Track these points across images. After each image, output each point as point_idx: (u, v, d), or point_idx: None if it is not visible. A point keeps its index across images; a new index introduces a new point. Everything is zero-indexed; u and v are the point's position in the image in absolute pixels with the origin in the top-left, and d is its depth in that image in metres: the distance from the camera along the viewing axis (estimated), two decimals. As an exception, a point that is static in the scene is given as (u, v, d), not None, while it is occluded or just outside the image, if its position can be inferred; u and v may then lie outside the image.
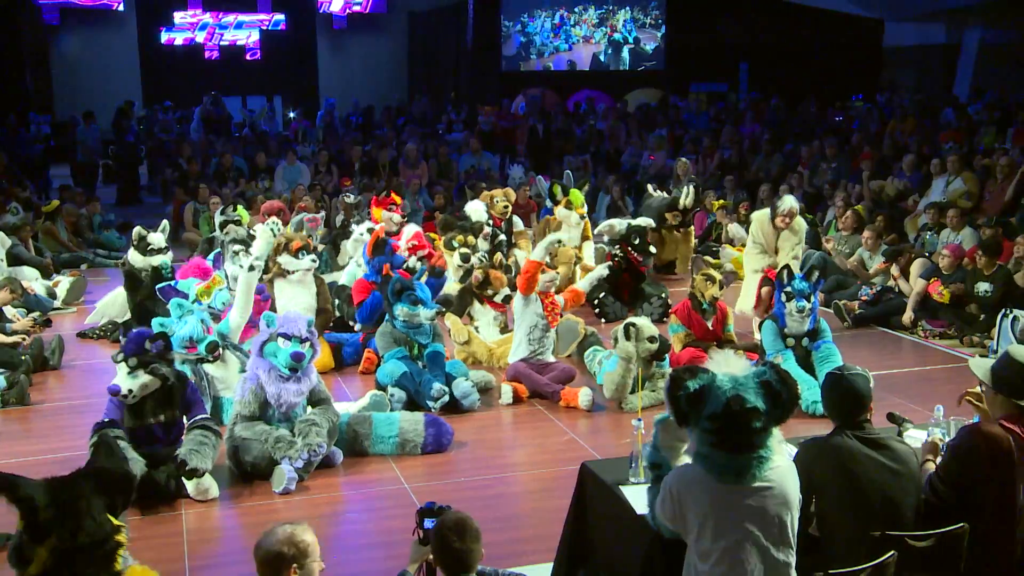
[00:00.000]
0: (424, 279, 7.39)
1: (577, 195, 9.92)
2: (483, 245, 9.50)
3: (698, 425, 3.08)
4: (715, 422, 3.03)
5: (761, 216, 8.15)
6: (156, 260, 8.18)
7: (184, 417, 5.34)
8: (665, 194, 11.44)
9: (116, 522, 2.74)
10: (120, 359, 5.09)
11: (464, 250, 9.24)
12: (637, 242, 9.05)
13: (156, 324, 6.25)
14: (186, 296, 7.02)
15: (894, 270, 9.04)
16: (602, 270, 7.75)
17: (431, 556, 3.30)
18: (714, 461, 3.06)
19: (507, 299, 7.79)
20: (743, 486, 3.04)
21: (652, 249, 9.25)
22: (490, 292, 7.84)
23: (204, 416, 5.31)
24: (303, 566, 2.97)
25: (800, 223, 8.09)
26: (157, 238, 8.28)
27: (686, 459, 3.28)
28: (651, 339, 6.35)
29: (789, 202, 8.01)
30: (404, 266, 7.86)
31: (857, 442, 3.48)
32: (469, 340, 7.60)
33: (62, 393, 7.01)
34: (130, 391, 5.03)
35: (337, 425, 5.58)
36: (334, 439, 5.56)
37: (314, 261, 7.79)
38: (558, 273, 7.09)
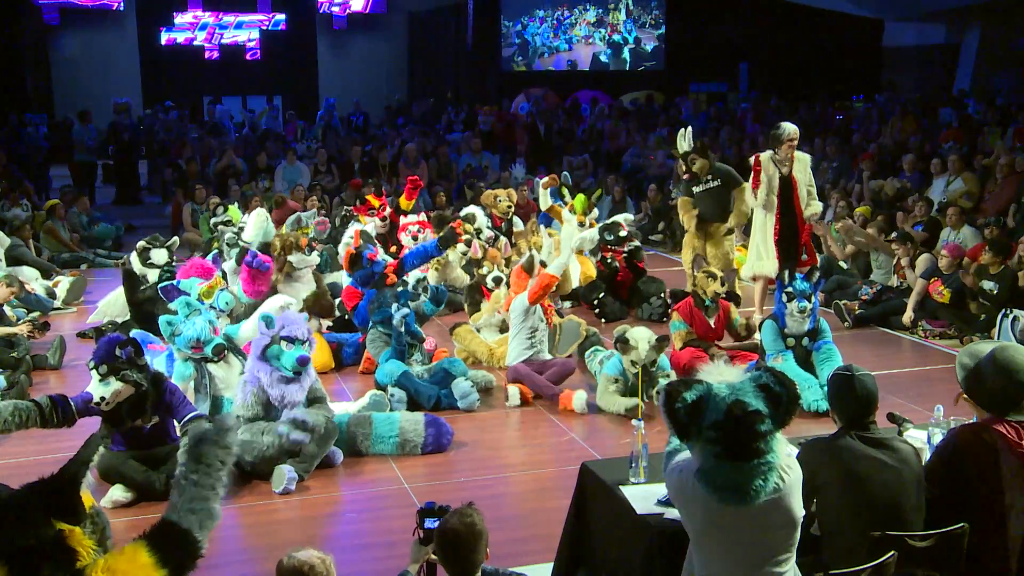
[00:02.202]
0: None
1: (580, 200, 9.91)
2: (482, 245, 9.52)
3: (700, 437, 2.97)
4: (718, 431, 2.92)
5: (763, 158, 7.93)
6: (153, 273, 8.22)
7: (173, 419, 5.30)
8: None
9: (61, 525, 2.64)
10: (91, 366, 5.05)
11: (465, 236, 9.26)
12: (612, 238, 9.02)
13: (163, 322, 6.25)
14: (188, 295, 7.03)
15: (902, 255, 8.98)
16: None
17: (432, 556, 3.29)
18: (717, 479, 2.94)
19: (497, 280, 7.89)
20: (746, 506, 2.93)
21: (623, 233, 9.19)
22: (485, 270, 7.91)
23: (194, 415, 5.24)
24: None
25: (801, 154, 7.95)
26: (159, 255, 8.27)
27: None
28: (632, 363, 6.36)
29: (789, 126, 7.87)
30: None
31: (860, 442, 3.47)
32: (469, 340, 7.61)
33: (62, 393, 6.98)
34: (103, 399, 5.00)
35: (331, 424, 5.57)
36: (334, 438, 5.56)
37: (320, 255, 8.17)
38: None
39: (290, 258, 7.89)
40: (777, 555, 3.01)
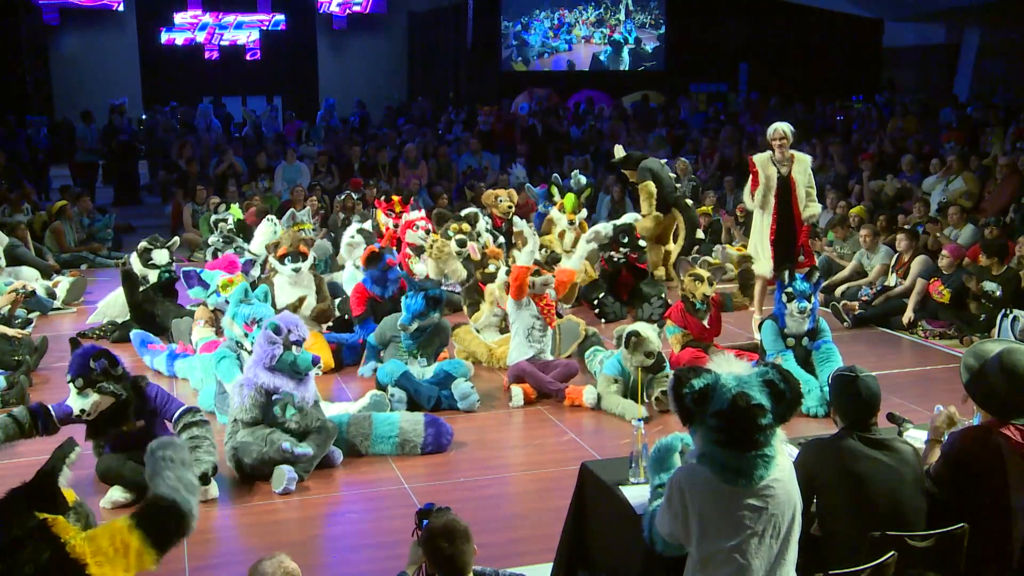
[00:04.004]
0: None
1: (570, 199, 9.90)
2: (478, 247, 9.53)
3: (703, 423, 3.08)
4: (720, 419, 3.03)
5: (762, 158, 7.94)
6: (153, 274, 8.26)
7: (163, 419, 5.30)
8: None
9: (42, 515, 2.80)
10: (68, 380, 5.02)
11: (460, 236, 9.27)
12: (626, 240, 9.03)
13: (259, 294, 6.47)
14: (207, 285, 7.11)
15: (905, 250, 8.97)
16: (588, 245, 7.71)
17: (428, 559, 3.29)
18: (719, 461, 3.05)
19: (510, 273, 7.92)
20: (749, 488, 3.03)
21: (642, 243, 9.21)
22: (491, 269, 7.91)
23: (184, 409, 5.23)
24: None
25: (802, 155, 7.99)
26: (161, 256, 8.32)
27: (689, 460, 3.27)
28: (648, 354, 6.34)
29: (774, 125, 7.87)
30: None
31: (860, 443, 3.48)
32: (469, 340, 7.61)
33: (62, 393, 6.93)
34: (83, 411, 4.99)
35: (330, 423, 5.58)
36: (333, 439, 5.56)
37: (296, 270, 7.84)
38: (553, 276, 7.08)
39: (270, 259, 7.91)
40: (781, 544, 3.07)
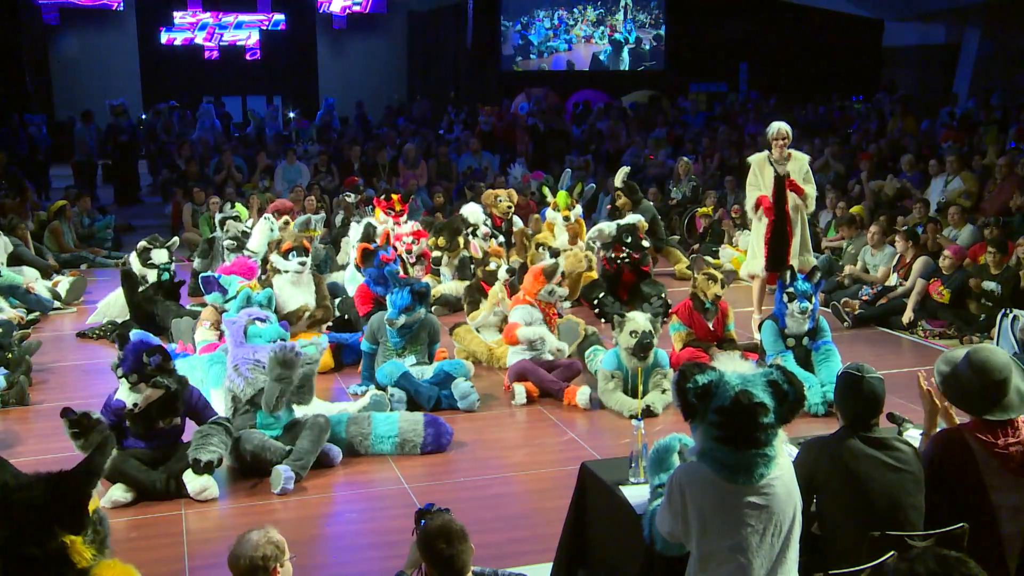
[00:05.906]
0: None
1: (563, 197, 9.89)
2: (481, 244, 9.52)
3: (705, 419, 3.08)
4: (722, 415, 3.03)
5: (759, 157, 7.94)
6: (152, 274, 8.27)
7: (193, 421, 5.39)
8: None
9: (65, 536, 2.67)
10: (120, 375, 5.09)
11: (436, 253, 9.31)
12: (629, 240, 9.02)
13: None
14: (226, 291, 7.14)
15: (905, 251, 8.95)
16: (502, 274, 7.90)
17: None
18: (719, 458, 3.04)
19: (511, 271, 7.93)
20: (749, 486, 3.03)
21: (646, 244, 9.20)
22: (493, 265, 7.93)
23: (215, 419, 5.35)
24: (283, 563, 3.08)
25: (800, 154, 7.97)
26: (160, 255, 8.33)
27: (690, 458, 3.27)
28: (633, 332, 6.35)
29: (774, 125, 7.87)
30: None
31: (860, 443, 3.48)
32: (469, 340, 7.61)
33: (62, 393, 6.99)
34: (135, 404, 5.08)
35: (322, 418, 5.60)
36: (327, 432, 5.55)
37: (302, 264, 7.73)
38: (567, 289, 7.13)
39: (271, 257, 7.90)
40: (782, 543, 3.07)
